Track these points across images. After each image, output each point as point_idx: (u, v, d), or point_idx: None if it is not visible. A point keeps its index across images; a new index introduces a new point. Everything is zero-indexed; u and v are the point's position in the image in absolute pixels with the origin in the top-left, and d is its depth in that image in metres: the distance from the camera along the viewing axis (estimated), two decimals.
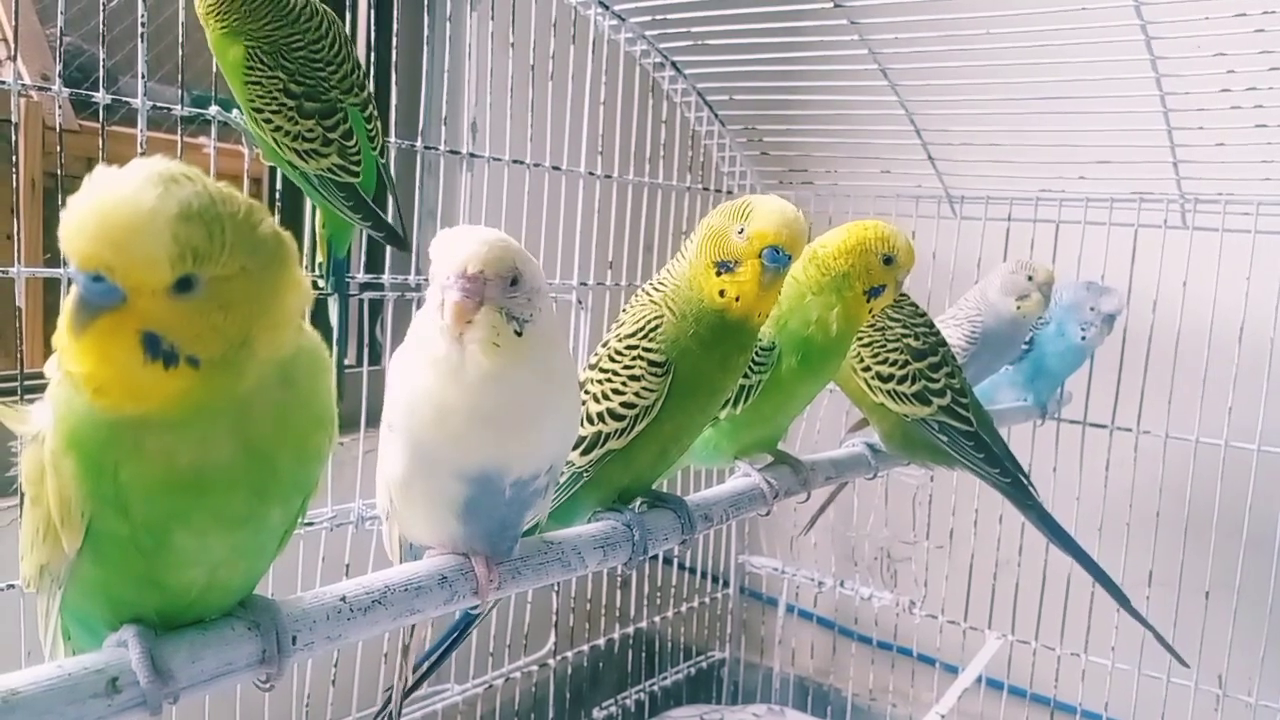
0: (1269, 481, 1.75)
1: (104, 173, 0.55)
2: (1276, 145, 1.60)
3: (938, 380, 1.33)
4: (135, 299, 0.55)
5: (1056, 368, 1.80)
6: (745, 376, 1.14)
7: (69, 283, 1.26)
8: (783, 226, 0.97)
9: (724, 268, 0.98)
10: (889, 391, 1.33)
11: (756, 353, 1.14)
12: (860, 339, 1.33)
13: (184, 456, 0.60)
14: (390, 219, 1.38)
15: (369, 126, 1.31)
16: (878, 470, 1.43)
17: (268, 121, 1.24)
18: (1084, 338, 1.74)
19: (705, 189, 2.23)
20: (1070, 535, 1.42)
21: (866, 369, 1.34)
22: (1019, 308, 1.65)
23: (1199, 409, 1.80)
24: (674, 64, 2.05)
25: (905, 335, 1.34)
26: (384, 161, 1.36)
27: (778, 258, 0.97)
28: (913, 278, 2.10)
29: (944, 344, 1.38)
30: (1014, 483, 1.38)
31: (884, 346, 1.33)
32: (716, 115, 2.17)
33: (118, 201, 0.53)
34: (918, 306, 1.39)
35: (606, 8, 1.89)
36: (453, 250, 0.78)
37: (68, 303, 0.56)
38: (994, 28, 1.64)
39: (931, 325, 1.39)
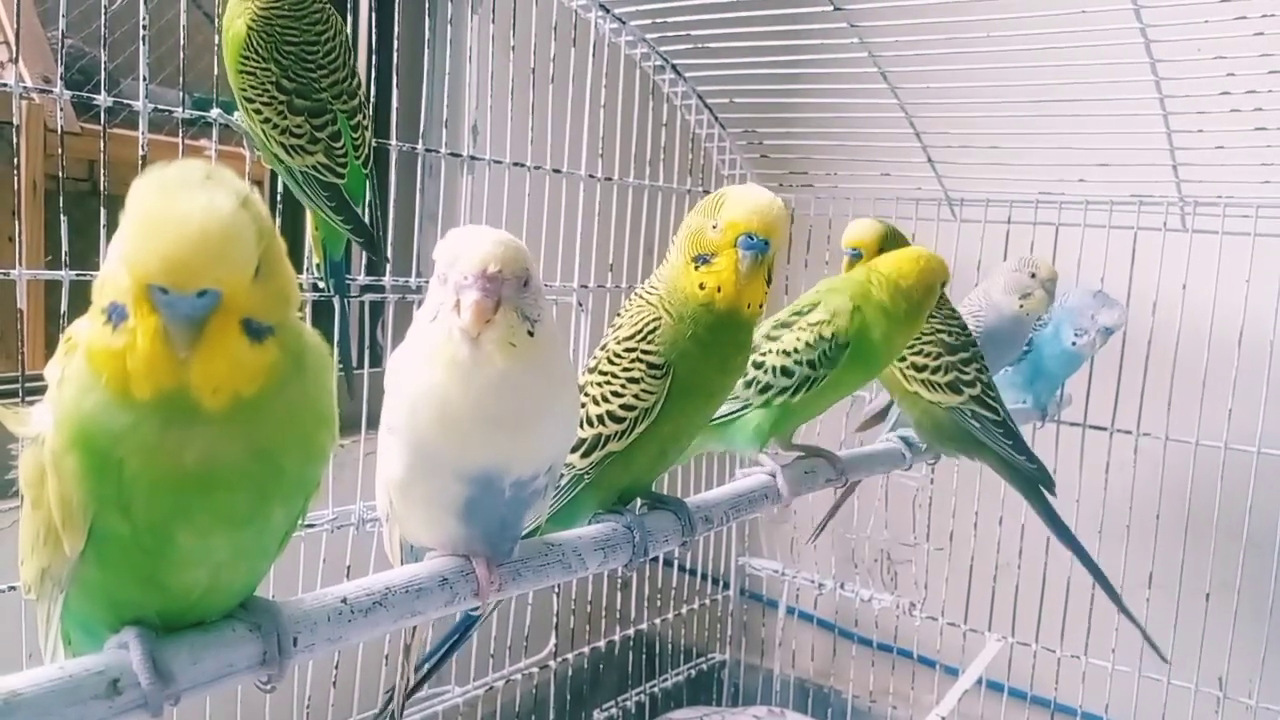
0: (1269, 483, 1.75)
1: (163, 195, 0.55)
2: (1276, 148, 1.60)
3: (969, 373, 1.41)
4: (231, 296, 0.57)
5: (1053, 370, 1.79)
6: (813, 368, 1.20)
7: (70, 285, 1.25)
8: (754, 213, 0.97)
9: (701, 261, 0.98)
10: (923, 380, 1.40)
11: (829, 347, 1.20)
12: None
13: (191, 454, 0.60)
14: (374, 230, 1.37)
15: (355, 136, 1.30)
16: (912, 462, 1.51)
17: (258, 113, 1.24)
18: (1075, 343, 1.72)
19: (705, 192, 2.22)
20: (1071, 531, 1.44)
21: (902, 359, 1.40)
22: (1022, 305, 1.65)
23: (1199, 411, 1.80)
24: (674, 67, 2.05)
25: (940, 331, 1.41)
26: (367, 172, 1.34)
27: (752, 243, 0.96)
28: None
29: (974, 344, 1.46)
30: (1040, 469, 1.46)
31: (919, 338, 1.39)
32: (717, 118, 2.18)
33: (208, 220, 0.55)
34: (954, 309, 1.46)
35: (607, 11, 1.89)
36: (470, 250, 0.77)
37: (149, 328, 0.56)
38: (994, 31, 1.64)
39: (964, 326, 1.46)
